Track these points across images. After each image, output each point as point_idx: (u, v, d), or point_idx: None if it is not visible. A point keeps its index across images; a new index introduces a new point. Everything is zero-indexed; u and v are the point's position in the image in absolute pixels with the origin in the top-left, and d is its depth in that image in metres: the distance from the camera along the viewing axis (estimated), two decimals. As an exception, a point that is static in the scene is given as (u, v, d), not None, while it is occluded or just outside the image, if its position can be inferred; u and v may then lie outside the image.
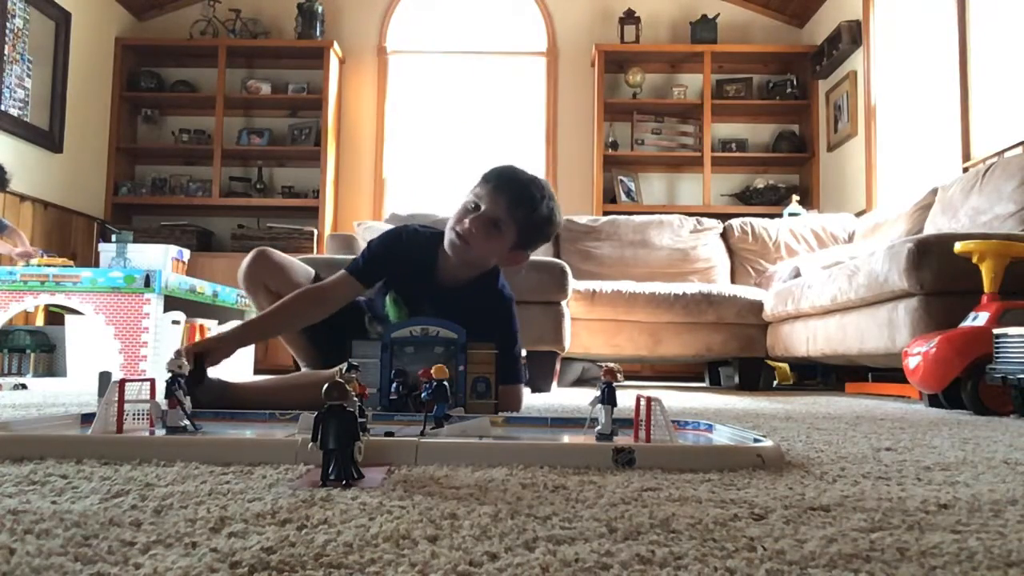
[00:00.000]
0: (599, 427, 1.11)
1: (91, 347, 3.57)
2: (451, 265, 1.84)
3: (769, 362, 4.06)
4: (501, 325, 1.87)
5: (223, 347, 1.70)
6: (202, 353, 1.60)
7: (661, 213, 4.95)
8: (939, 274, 2.40)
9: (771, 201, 5.63)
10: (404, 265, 1.88)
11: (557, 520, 0.61)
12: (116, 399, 1.06)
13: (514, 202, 1.75)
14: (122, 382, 1.07)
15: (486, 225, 1.75)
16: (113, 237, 3.80)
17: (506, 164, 1.82)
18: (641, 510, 0.66)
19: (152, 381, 1.13)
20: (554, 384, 3.36)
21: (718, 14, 5.79)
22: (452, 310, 1.77)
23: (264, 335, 1.80)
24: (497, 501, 0.68)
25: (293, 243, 5.48)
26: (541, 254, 4.54)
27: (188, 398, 1.13)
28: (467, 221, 1.75)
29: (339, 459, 0.76)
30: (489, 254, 1.81)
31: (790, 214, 5.05)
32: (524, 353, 3.40)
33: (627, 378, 4.93)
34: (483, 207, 1.75)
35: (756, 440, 1.00)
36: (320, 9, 5.79)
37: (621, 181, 5.77)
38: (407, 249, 1.89)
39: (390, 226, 4.10)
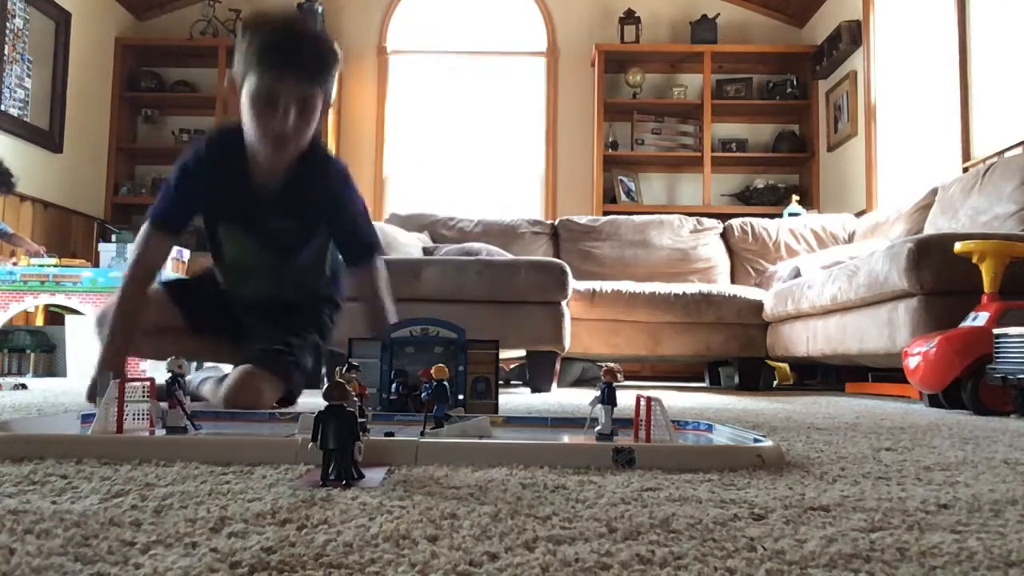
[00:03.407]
0: (599, 427, 1.11)
1: (91, 347, 3.57)
2: (265, 164, 1.67)
3: (769, 362, 4.06)
4: (346, 195, 1.75)
5: (121, 360, 1.71)
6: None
7: (661, 213, 4.95)
8: (939, 274, 2.40)
9: (771, 201, 5.63)
10: (213, 190, 1.69)
11: (557, 520, 0.61)
12: (116, 399, 1.06)
13: (312, 72, 1.57)
14: (122, 382, 1.07)
15: (300, 113, 1.57)
16: (113, 237, 3.80)
17: (261, 33, 1.57)
18: (641, 510, 0.66)
19: (152, 381, 1.13)
20: (554, 384, 3.36)
21: (718, 14, 5.79)
22: (291, 206, 1.66)
23: (130, 328, 1.72)
24: (497, 501, 0.68)
25: (293, 243, 5.47)
26: (540, 254, 4.54)
27: (188, 398, 1.13)
28: (280, 121, 1.56)
29: (339, 459, 0.76)
30: (310, 132, 1.65)
31: (790, 214, 5.05)
32: (524, 353, 3.41)
33: (627, 378, 4.93)
34: (281, 99, 1.55)
35: (756, 440, 1.00)
36: (320, 9, 5.79)
37: (621, 181, 5.77)
38: (207, 171, 1.70)
39: (391, 226, 4.10)
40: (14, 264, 3.72)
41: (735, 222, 4.78)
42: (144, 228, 1.74)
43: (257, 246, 1.78)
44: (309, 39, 1.59)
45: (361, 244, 1.81)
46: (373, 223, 1.89)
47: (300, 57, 1.55)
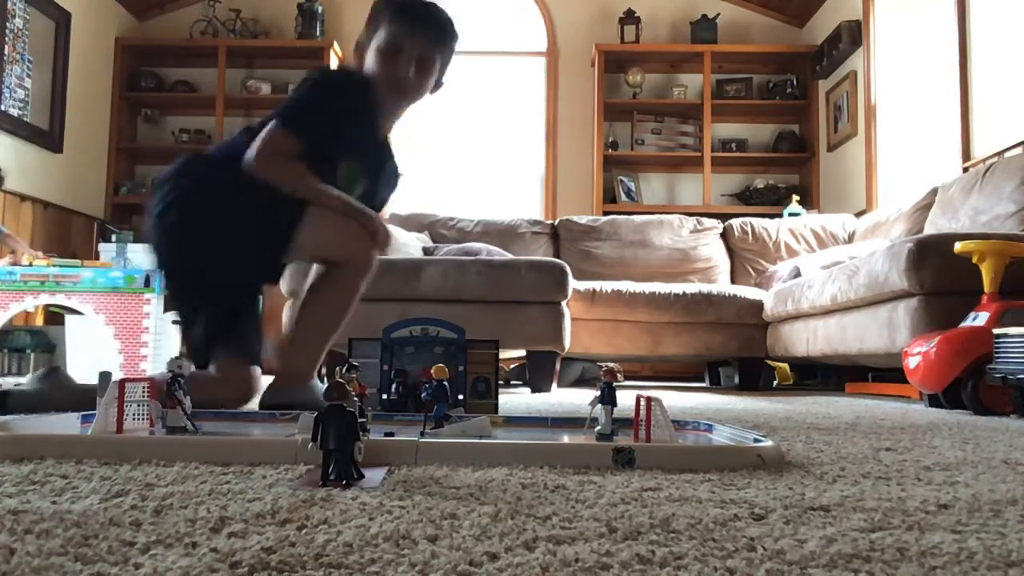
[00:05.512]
0: (599, 427, 1.11)
1: (91, 347, 3.57)
2: (388, 113, 1.76)
3: (769, 362, 4.06)
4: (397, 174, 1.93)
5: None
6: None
7: (661, 213, 4.95)
8: (939, 274, 2.40)
9: (771, 201, 5.62)
10: (350, 118, 1.67)
11: (557, 520, 0.61)
12: (116, 399, 1.06)
13: (442, 38, 1.71)
14: (122, 382, 1.07)
15: (418, 68, 1.69)
16: (113, 237, 3.80)
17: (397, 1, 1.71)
18: (641, 510, 0.66)
19: (152, 381, 1.13)
20: (554, 384, 3.36)
21: (718, 14, 5.79)
22: (387, 164, 1.78)
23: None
24: (497, 501, 0.68)
25: (293, 243, 5.47)
26: (540, 254, 4.54)
27: (188, 398, 1.13)
28: (403, 68, 1.67)
29: (339, 459, 0.76)
30: (424, 90, 1.76)
31: (790, 214, 5.04)
32: (524, 353, 3.41)
33: (627, 378, 4.93)
34: (405, 51, 1.67)
35: (756, 440, 1.00)
36: (320, 9, 5.79)
37: (621, 181, 5.77)
38: (350, 99, 1.70)
39: (391, 226, 4.09)
40: (13, 264, 3.72)
41: (735, 222, 4.78)
42: (271, 137, 1.59)
43: (359, 193, 1.76)
44: (438, 12, 1.74)
45: None
46: None
47: (426, 20, 1.71)
